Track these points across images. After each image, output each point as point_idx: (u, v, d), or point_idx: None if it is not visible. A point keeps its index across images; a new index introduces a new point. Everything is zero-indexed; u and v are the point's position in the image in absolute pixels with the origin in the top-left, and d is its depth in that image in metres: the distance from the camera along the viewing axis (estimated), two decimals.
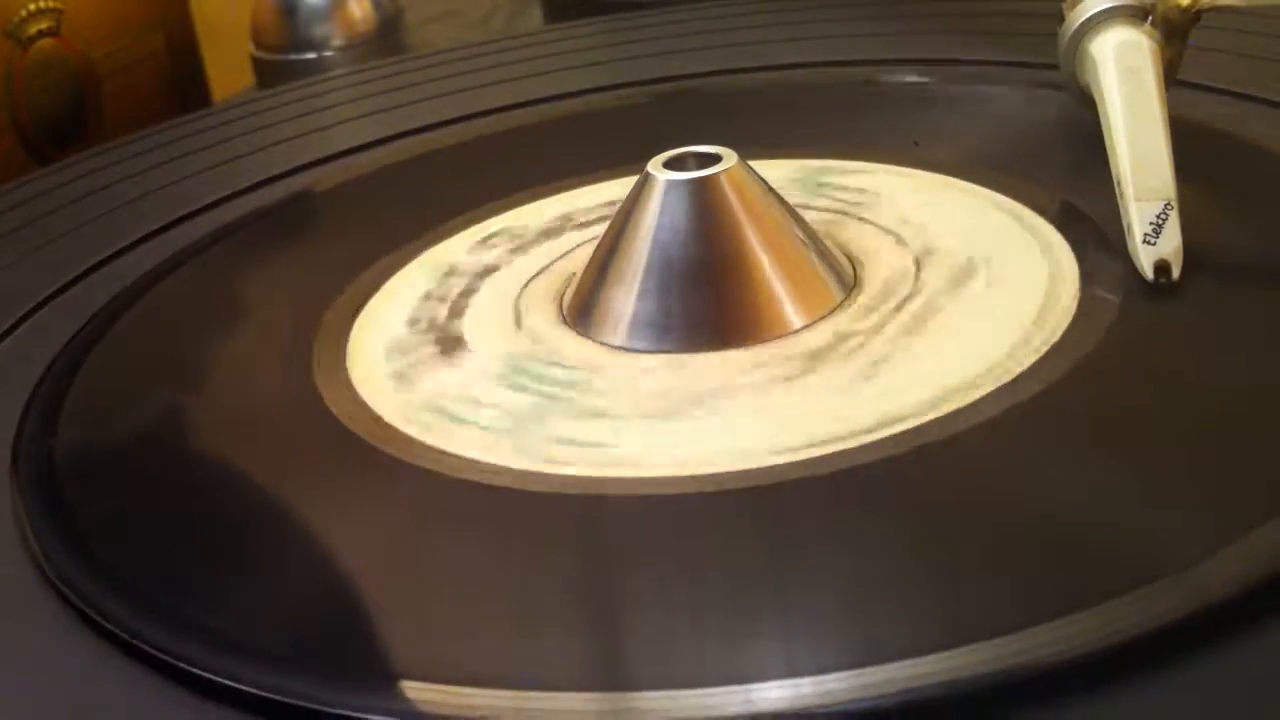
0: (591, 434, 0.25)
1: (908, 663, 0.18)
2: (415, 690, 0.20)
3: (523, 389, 0.27)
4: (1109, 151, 0.29)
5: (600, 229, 0.30)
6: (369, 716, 0.19)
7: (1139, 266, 0.27)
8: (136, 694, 0.20)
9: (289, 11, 0.56)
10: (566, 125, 0.41)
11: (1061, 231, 0.29)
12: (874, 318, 0.27)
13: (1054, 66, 0.34)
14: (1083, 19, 0.32)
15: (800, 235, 0.29)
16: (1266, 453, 0.22)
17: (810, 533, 0.22)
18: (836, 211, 0.32)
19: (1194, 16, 0.32)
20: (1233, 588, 0.19)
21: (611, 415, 0.26)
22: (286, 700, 0.19)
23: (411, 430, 0.26)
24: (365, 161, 0.40)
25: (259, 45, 0.57)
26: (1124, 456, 0.23)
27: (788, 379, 0.26)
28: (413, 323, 0.30)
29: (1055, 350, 0.25)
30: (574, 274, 0.30)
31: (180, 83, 0.58)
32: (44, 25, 0.52)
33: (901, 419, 0.24)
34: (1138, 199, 0.27)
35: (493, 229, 0.34)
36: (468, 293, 0.31)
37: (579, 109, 0.42)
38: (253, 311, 0.33)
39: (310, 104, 0.46)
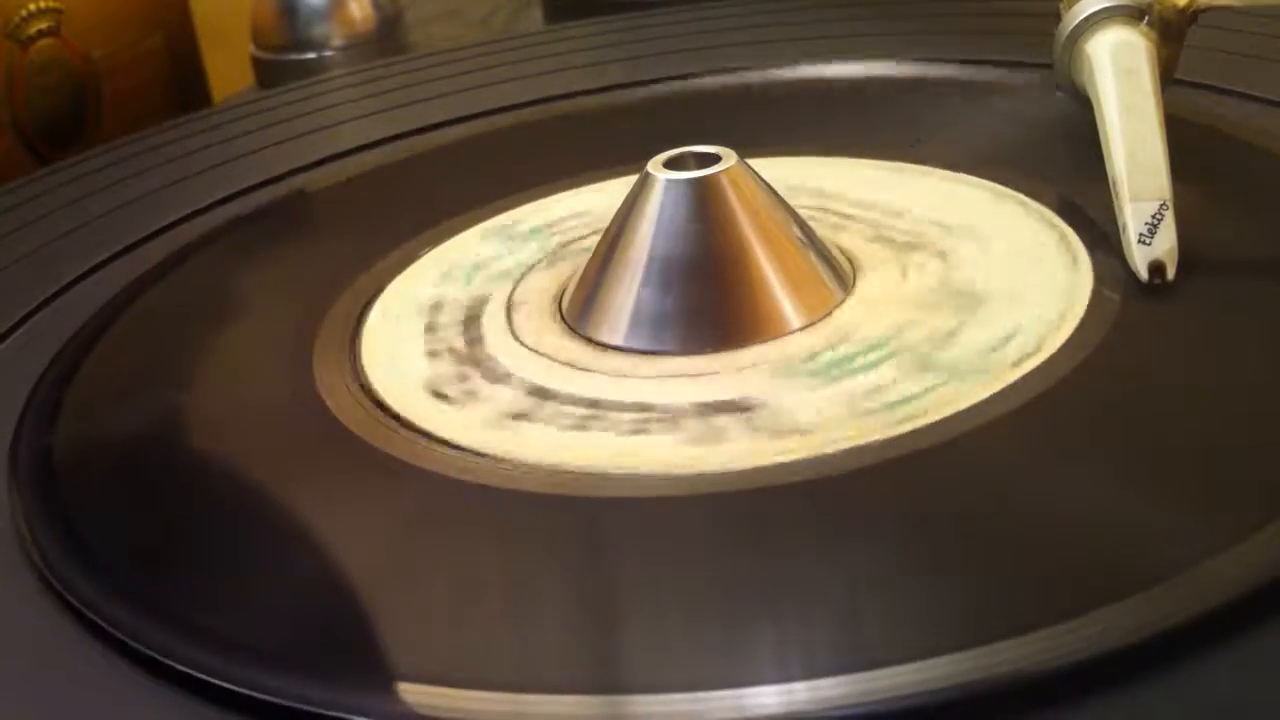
0: (590, 435, 0.25)
1: (905, 668, 0.18)
2: (414, 693, 0.20)
3: (522, 387, 0.27)
4: (1104, 152, 0.29)
5: (600, 229, 0.30)
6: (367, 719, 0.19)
7: (1134, 267, 0.27)
8: (134, 695, 0.20)
9: (289, 11, 0.56)
10: (567, 125, 0.41)
11: (1060, 231, 0.29)
12: (873, 318, 0.28)
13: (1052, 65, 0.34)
14: (1079, 19, 0.32)
15: (800, 235, 0.29)
16: (1268, 454, 0.22)
17: (809, 535, 0.22)
18: (837, 211, 0.32)
19: (1191, 16, 0.32)
20: (1233, 591, 0.19)
21: (610, 415, 0.26)
22: (285, 704, 0.19)
23: (411, 430, 0.26)
24: (365, 161, 0.40)
25: (259, 45, 0.57)
26: (1124, 458, 0.23)
27: (787, 379, 0.26)
28: (413, 323, 0.30)
29: (1055, 350, 0.25)
30: (573, 274, 0.30)
31: (180, 83, 0.58)
32: (44, 25, 0.52)
33: (900, 420, 0.24)
34: (1133, 199, 0.27)
35: (493, 228, 0.34)
36: (466, 292, 0.31)
37: (579, 109, 0.42)
38: (253, 312, 0.33)
39: (310, 104, 0.46)
